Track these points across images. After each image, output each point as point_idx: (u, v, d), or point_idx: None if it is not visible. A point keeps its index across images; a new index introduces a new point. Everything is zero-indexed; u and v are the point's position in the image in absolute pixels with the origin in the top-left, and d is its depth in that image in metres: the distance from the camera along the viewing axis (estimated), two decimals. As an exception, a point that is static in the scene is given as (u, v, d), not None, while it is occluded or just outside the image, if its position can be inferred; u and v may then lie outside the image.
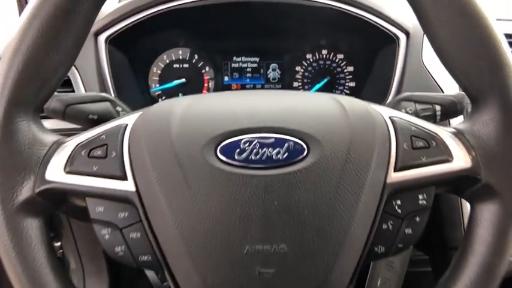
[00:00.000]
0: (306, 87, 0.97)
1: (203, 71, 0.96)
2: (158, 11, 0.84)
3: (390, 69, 0.81)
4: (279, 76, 0.97)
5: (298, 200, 0.41)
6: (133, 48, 0.89)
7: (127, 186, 0.44)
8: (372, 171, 0.43)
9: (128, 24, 0.83)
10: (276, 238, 0.41)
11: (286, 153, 0.42)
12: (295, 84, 0.97)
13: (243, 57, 0.96)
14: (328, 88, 0.96)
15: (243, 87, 0.97)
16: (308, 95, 0.50)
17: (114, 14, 0.83)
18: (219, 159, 0.42)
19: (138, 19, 0.83)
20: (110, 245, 0.45)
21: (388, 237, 0.45)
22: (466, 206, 0.77)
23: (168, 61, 0.95)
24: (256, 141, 0.42)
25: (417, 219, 0.46)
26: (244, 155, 0.42)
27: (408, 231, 0.46)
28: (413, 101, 0.59)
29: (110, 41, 0.82)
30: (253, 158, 0.42)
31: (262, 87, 0.97)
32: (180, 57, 0.95)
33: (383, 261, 0.69)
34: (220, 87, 0.96)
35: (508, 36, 0.84)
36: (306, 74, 0.97)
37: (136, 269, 1.31)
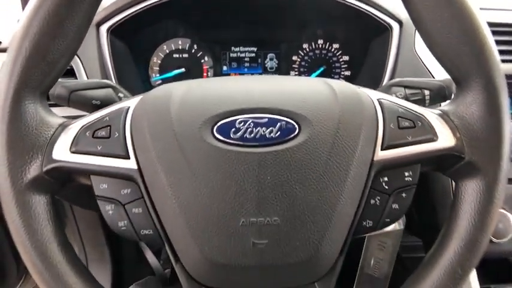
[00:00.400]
0: (303, 76, 0.99)
1: (202, 60, 0.98)
2: (158, 1, 0.86)
3: (384, 57, 0.83)
4: (276, 65, 0.99)
5: (290, 175, 0.44)
6: (134, 38, 0.91)
7: (129, 164, 0.46)
8: (359, 149, 0.46)
9: (129, 14, 0.85)
10: (269, 211, 0.44)
11: (279, 132, 0.45)
12: (292, 73, 0.99)
13: (241, 47, 0.98)
14: (324, 77, 0.98)
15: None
16: (300, 79, 0.53)
17: (116, 4, 0.85)
18: (215, 137, 0.44)
19: (138, 9, 0.85)
20: (114, 220, 0.48)
21: (376, 212, 0.48)
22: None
23: (168, 51, 0.97)
24: (250, 121, 0.45)
25: (403, 195, 0.48)
26: (239, 133, 0.45)
27: (395, 206, 0.48)
28: (403, 86, 0.62)
29: (111, 31, 0.84)
30: (247, 136, 0.44)
31: (260, 76, 0.99)
32: (180, 48, 0.97)
33: (375, 242, 0.72)
34: (219, 76, 0.98)
35: (495, 25, 0.86)
36: (303, 63, 0.99)
37: (138, 256, 1.34)
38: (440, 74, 0.80)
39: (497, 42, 0.84)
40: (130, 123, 0.48)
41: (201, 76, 0.98)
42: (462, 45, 0.46)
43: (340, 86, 0.50)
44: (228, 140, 0.44)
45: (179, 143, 0.45)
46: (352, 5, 0.85)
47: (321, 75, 0.98)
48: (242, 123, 0.45)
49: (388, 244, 0.70)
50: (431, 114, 0.49)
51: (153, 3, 0.86)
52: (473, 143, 0.47)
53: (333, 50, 0.99)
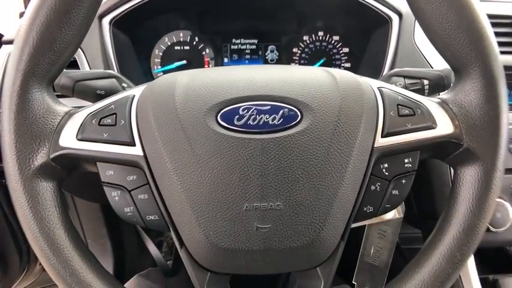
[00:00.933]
0: (304, 68, 1.00)
1: (203, 52, 0.99)
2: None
3: (383, 49, 0.84)
4: (277, 57, 1.00)
5: (292, 161, 0.45)
6: (136, 30, 0.92)
7: (135, 151, 0.47)
8: (360, 136, 0.47)
9: (131, 6, 0.85)
10: (272, 196, 0.45)
11: (282, 119, 0.46)
12: (293, 65, 1.00)
13: (242, 39, 0.99)
14: (325, 68, 0.99)
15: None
16: (302, 68, 0.53)
17: (117, -4, 0.86)
18: (219, 124, 0.45)
19: (140, 1, 0.85)
20: (120, 206, 0.49)
21: (376, 198, 0.49)
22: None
23: (169, 43, 0.98)
24: (253, 108, 0.46)
25: (403, 181, 0.50)
26: (243, 120, 0.45)
27: (395, 192, 0.49)
28: (403, 76, 0.63)
29: (113, 23, 0.85)
30: (251, 123, 0.45)
31: (261, 68, 1.00)
32: (181, 40, 0.98)
33: (375, 231, 0.73)
34: (220, 68, 0.99)
35: (495, 16, 0.87)
36: (303, 55, 1.00)
37: (139, 248, 1.35)
38: (439, 64, 0.80)
39: (497, 34, 0.86)
40: (136, 110, 0.49)
41: (202, 68, 0.99)
42: (461, 34, 0.47)
43: (341, 74, 0.50)
44: (231, 127, 0.45)
45: (184, 130, 0.46)
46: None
47: (321, 66, 0.99)
48: (245, 111, 0.46)
49: (387, 232, 0.71)
50: (430, 102, 0.50)
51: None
52: (472, 130, 0.48)
53: (333, 42, 0.99)
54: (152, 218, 0.48)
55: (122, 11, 0.85)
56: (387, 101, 0.49)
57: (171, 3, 0.91)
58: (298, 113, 0.46)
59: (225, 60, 0.99)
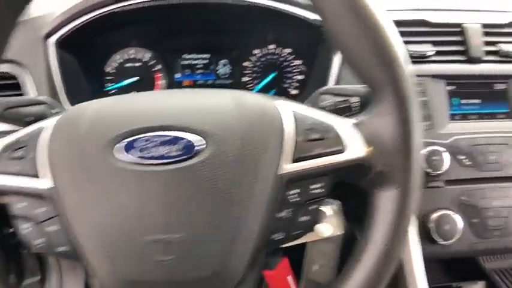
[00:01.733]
0: (256, 81, 0.99)
1: (155, 68, 0.98)
2: (107, 11, 0.86)
3: (329, 61, 0.84)
4: (229, 71, 0.99)
5: (195, 192, 0.44)
6: (84, 49, 0.91)
7: (44, 183, 0.47)
8: (266, 163, 0.46)
9: (77, 25, 0.85)
10: (174, 228, 0.44)
11: (184, 149, 0.45)
12: (245, 79, 0.99)
13: (193, 54, 0.98)
14: (276, 82, 0.99)
15: (194, 83, 0.99)
16: (209, 93, 0.53)
17: (63, 15, 0.84)
18: (119, 157, 0.45)
19: (86, 20, 0.85)
20: (30, 239, 0.48)
21: (286, 225, 0.48)
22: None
23: (120, 60, 0.97)
24: (155, 138, 0.45)
25: (313, 207, 0.49)
26: (144, 152, 0.45)
27: (306, 218, 0.49)
28: (332, 94, 0.62)
29: (59, 43, 0.84)
30: (152, 154, 0.45)
31: (214, 83, 1.00)
32: (132, 57, 0.97)
33: (315, 249, 0.72)
34: (172, 84, 0.99)
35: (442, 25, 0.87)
36: (255, 68, 0.99)
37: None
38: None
39: (445, 43, 0.85)
40: (47, 143, 0.48)
41: (154, 84, 0.98)
42: (370, 55, 0.47)
43: (248, 99, 0.50)
44: (132, 159, 0.45)
45: (87, 162, 0.45)
46: (296, 15, 0.86)
47: (272, 80, 0.99)
48: (147, 142, 0.45)
49: (328, 250, 0.71)
50: (343, 125, 0.50)
51: (101, 13, 0.85)
52: (383, 153, 0.48)
53: (284, 55, 0.99)
54: (63, 249, 0.48)
55: (69, 30, 0.85)
56: (296, 125, 0.49)
57: (120, 20, 0.90)
58: (200, 142, 0.45)
59: (177, 75, 0.99)
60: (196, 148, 0.45)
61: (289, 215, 0.48)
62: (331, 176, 0.49)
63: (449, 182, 0.81)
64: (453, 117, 0.85)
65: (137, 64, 0.97)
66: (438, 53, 0.86)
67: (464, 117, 0.86)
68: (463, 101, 0.86)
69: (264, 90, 0.99)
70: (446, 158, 0.79)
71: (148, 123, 0.46)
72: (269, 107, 0.50)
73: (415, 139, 0.47)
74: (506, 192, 0.82)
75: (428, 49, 0.85)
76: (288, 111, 0.50)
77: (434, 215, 0.78)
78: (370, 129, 0.49)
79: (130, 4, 0.87)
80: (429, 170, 0.78)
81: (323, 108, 0.62)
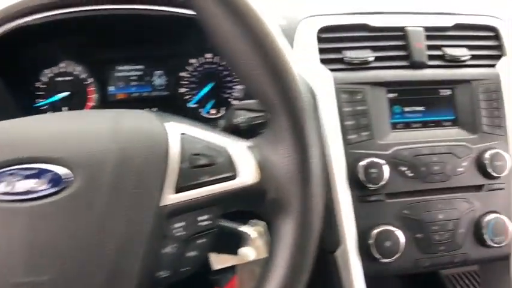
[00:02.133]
0: (194, 92, 0.94)
1: (87, 82, 0.93)
2: (30, 21, 0.80)
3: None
4: (165, 83, 0.94)
5: (62, 230, 0.40)
6: (12, 66, 0.86)
7: None
8: (145, 193, 0.42)
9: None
10: (40, 270, 0.40)
11: (51, 183, 0.40)
12: (182, 90, 0.94)
13: (126, 66, 0.93)
14: (216, 92, 0.94)
15: (129, 96, 0.94)
16: (86, 116, 0.49)
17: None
18: None
19: (7, 30, 0.79)
20: None
21: (171, 261, 0.44)
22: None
23: (51, 75, 0.92)
24: (19, 172, 0.41)
25: (203, 240, 0.44)
26: (8, 188, 0.40)
27: (194, 253, 0.44)
28: (246, 110, 0.58)
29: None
30: (16, 190, 0.40)
31: (149, 95, 0.95)
32: (63, 70, 0.92)
33: (246, 271, 0.68)
34: (106, 97, 0.93)
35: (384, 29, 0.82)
36: (192, 79, 0.94)
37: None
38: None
39: (387, 48, 0.81)
40: None
41: (87, 98, 0.93)
42: (262, 73, 0.43)
43: (129, 121, 0.45)
44: None
45: None
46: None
47: (211, 91, 0.94)
48: (11, 176, 0.40)
49: (257, 272, 0.67)
50: (237, 148, 0.45)
51: (22, 23, 0.79)
52: (276, 179, 0.44)
53: (223, 64, 0.94)
54: None
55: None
56: (183, 151, 0.44)
57: (45, 35, 0.85)
58: (69, 175, 0.41)
59: (111, 88, 0.94)
60: (63, 181, 0.41)
61: (174, 250, 0.43)
62: (222, 206, 0.45)
63: (391, 196, 0.76)
64: (395, 126, 0.80)
65: (68, 78, 0.92)
66: (379, 58, 0.81)
67: (407, 125, 0.81)
68: (406, 109, 0.82)
69: (203, 101, 0.94)
70: (386, 170, 0.74)
71: (12, 154, 0.41)
72: (154, 129, 0.45)
73: (311, 164, 0.43)
74: (452, 204, 0.78)
75: (369, 55, 0.81)
76: (176, 134, 0.45)
77: (375, 231, 0.74)
78: (263, 153, 0.44)
79: (56, 14, 0.81)
80: (368, 184, 0.74)
81: (237, 125, 0.58)
